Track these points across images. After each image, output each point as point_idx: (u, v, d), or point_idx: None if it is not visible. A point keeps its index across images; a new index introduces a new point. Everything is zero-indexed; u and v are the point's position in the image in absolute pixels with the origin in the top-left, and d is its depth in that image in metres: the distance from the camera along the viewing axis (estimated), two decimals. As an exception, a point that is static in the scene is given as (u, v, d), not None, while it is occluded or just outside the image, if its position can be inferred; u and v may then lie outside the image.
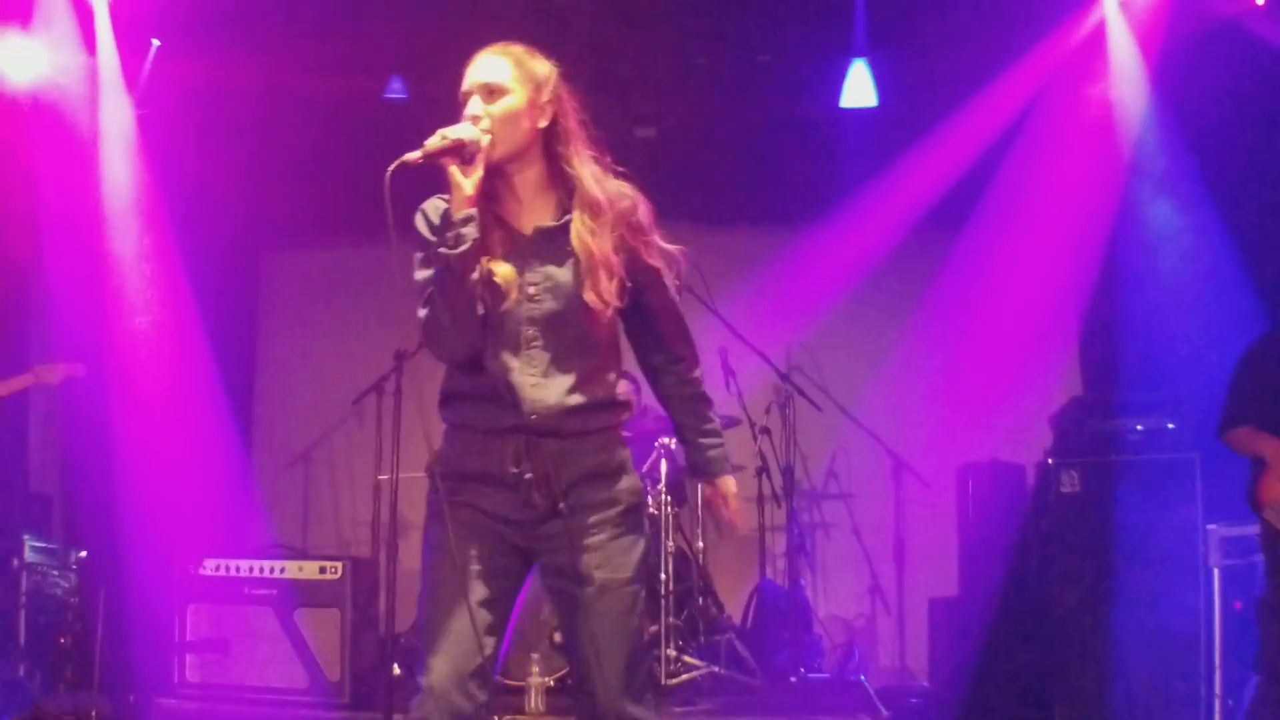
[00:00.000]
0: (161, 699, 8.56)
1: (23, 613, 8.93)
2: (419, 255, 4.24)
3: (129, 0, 9.03)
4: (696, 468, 4.67)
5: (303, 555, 9.30)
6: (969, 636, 9.15)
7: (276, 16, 9.10)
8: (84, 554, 9.52)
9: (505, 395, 4.17)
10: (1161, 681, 7.94)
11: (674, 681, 8.80)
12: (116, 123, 9.52)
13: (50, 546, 9.35)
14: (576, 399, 4.20)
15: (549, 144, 4.28)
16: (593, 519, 4.23)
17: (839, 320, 11.03)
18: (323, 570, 8.65)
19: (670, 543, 9.21)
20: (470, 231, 4.04)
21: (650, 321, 4.49)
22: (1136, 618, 8.04)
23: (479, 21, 9.35)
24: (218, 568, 8.78)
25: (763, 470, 10.15)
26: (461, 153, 4.06)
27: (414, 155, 4.00)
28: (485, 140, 4.10)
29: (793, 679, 9.22)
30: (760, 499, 10.19)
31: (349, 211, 10.00)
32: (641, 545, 4.33)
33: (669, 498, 9.29)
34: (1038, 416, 9.34)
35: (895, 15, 9.19)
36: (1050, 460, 8.66)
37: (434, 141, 4.03)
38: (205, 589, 8.74)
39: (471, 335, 4.16)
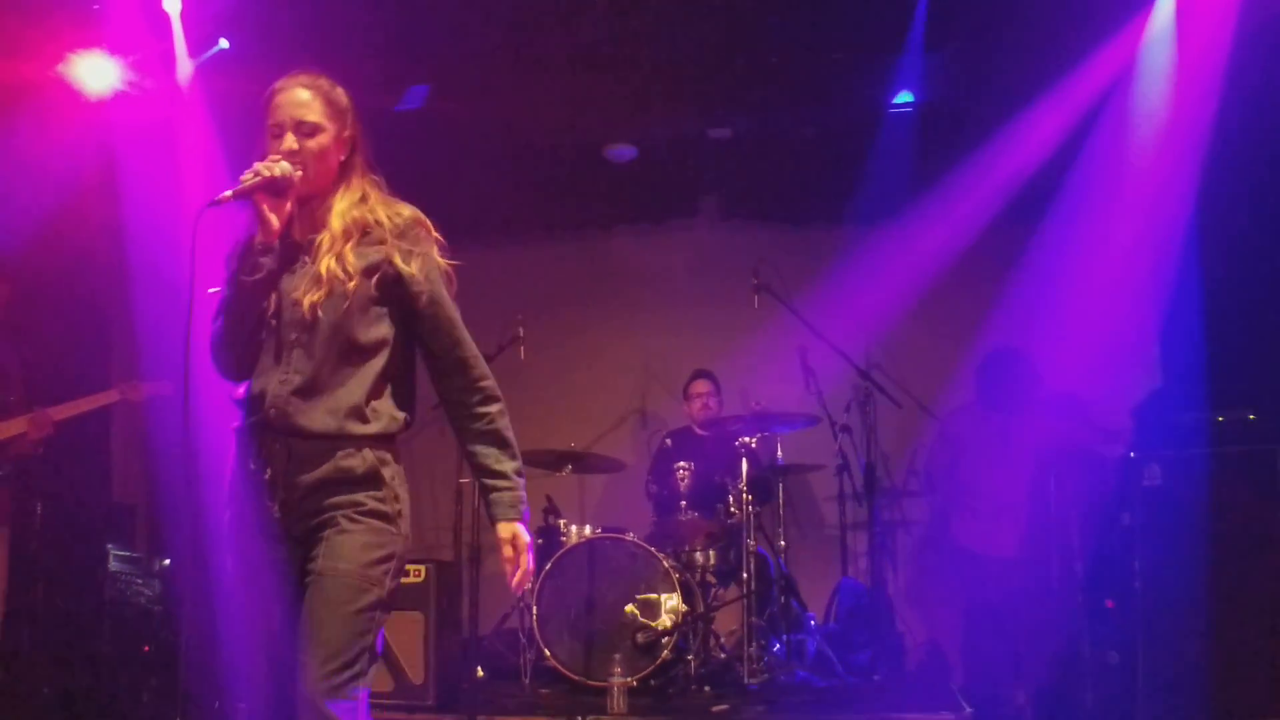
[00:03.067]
0: (246, 705, 8.62)
1: (106, 621, 9.00)
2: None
3: (200, 13, 9.07)
4: (486, 506, 4.60)
5: (385, 559, 9.32)
6: (1052, 631, 9.12)
7: (372, 32, 9.14)
8: (167, 562, 9.60)
9: (259, 395, 4.35)
10: (1244, 674, 7.88)
11: (756, 680, 8.81)
12: (195, 134, 9.57)
13: (134, 555, 9.41)
14: (323, 403, 4.32)
15: (342, 173, 4.51)
16: (325, 517, 4.31)
17: (917, 317, 10.98)
18: (406, 573, 8.70)
19: (751, 541, 9.21)
20: (268, 262, 4.30)
21: (425, 346, 4.56)
22: (1219, 610, 8.00)
23: (567, 28, 9.42)
24: (301, 572, 8.84)
25: (843, 468, 10.16)
26: (273, 186, 4.27)
27: (227, 194, 4.20)
28: (298, 175, 4.34)
29: (875, 677, 9.21)
30: (841, 497, 10.19)
31: (431, 216, 10.07)
32: (374, 548, 4.33)
33: (750, 497, 9.28)
34: (1119, 410, 9.29)
35: (967, 10, 9.14)
36: (1132, 454, 8.62)
37: (248, 178, 4.23)
38: (289, 593, 8.80)
39: (247, 356, 4.40)
